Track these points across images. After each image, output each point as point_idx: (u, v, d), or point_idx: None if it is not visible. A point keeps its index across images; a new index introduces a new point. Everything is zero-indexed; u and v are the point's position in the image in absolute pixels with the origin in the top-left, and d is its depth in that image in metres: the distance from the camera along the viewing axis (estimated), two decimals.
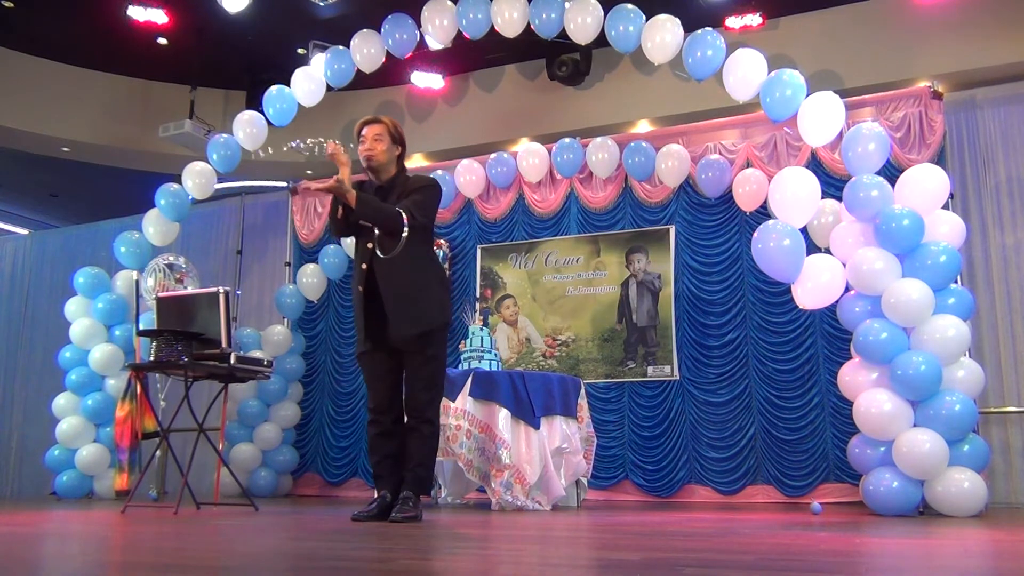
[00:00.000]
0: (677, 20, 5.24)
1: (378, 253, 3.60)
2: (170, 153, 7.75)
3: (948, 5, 6.16)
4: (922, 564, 2.18)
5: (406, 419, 3.72)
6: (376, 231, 3.65)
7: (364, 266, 3.67)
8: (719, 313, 6.32)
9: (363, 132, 3.77)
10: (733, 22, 6.32)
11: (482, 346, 5.14)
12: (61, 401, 6.40)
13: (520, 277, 7.07)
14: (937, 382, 4.32)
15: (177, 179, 6.60)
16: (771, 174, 5.41)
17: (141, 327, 5.44)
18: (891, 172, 5.20)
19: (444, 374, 3.85)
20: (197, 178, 6.49)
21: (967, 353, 4.66)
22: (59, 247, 9.09)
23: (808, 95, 4.83)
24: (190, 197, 6.55)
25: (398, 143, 3.80)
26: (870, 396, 4.46)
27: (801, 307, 4.92)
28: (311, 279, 7.30)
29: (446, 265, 7.15)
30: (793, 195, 4.73)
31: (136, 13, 6.42)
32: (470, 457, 4.66)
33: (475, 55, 7.14)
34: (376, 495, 3.76)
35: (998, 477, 5.49)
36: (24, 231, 9.94)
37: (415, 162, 7.81)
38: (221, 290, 4.39)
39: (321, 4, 6.34)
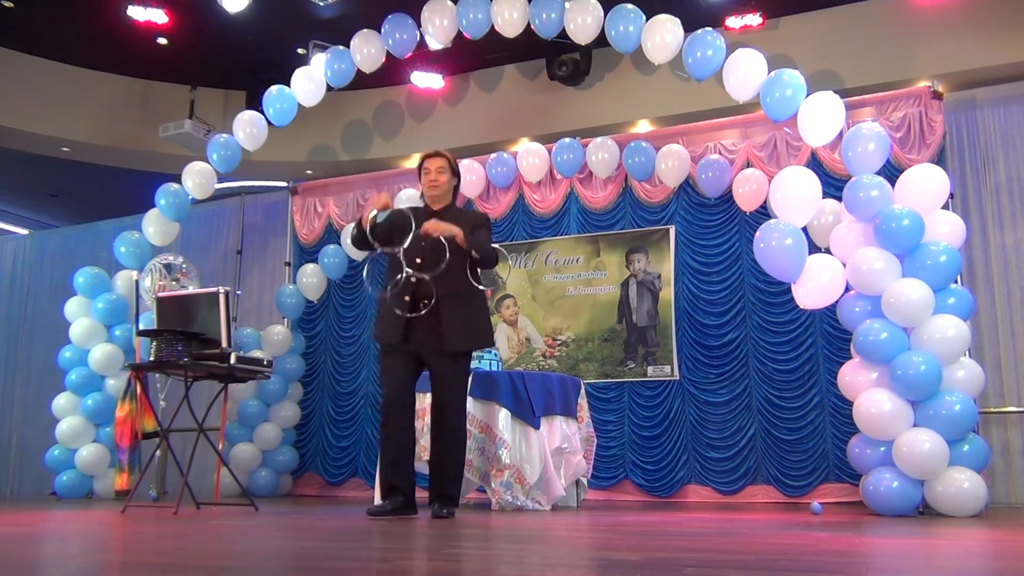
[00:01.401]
0: (677, 20, 5.23)
1: (475, 284, 4.05)
2: (170, 153, 7.75)
3: (948, 5, 6.16)
4: (922, 564, 2.18)
5: (437, 427, 4.02)
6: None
7: (419, 260, 3.94)
8: (719, 313, 6.32)
9: (426, 164, 4.18)
10: (733, 22, 6.32)
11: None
12: (61, 401, 6.40)
13: (520, 277, 7.07)
14: (937, 382, 4.32)
15: (177, 179, 6.59)
16: (771, 174, 5.42)
17: (141, 327, 5.44)
18: (891, 172, 5.20)
19: (467, 382, 4.21)
20: (197, 178, 6.49)
21: (967, 353, 4.65)
22: (59, 247, 9.08)
23: (808, 95, 4.83)
24: (190, 197, 6.55)
25: (456, 175, 4.24)
26: (870, 396, 4.46)
27: (801, 307, 4.92)
28: (311, 279, 7.30)
29: None
30: (794, 195, 4.74)
31: (136, 13, 6.42)
32: (470, 457, 4.65)
33: (475, 55, 7.14)
34: (380, 496, 3.95)
35: (998, 477, 5.49)
36: (24, 231, 9.94)
37: (414, 162, 7.80)
38: (221, 290, 4.40)
39: (321, 4, 6.33)
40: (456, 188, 4.27)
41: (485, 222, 4.21)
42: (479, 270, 4.11)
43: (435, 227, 3.89)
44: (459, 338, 3.98)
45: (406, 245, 3.88)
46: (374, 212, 3.95)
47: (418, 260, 3.93)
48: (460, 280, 3.97)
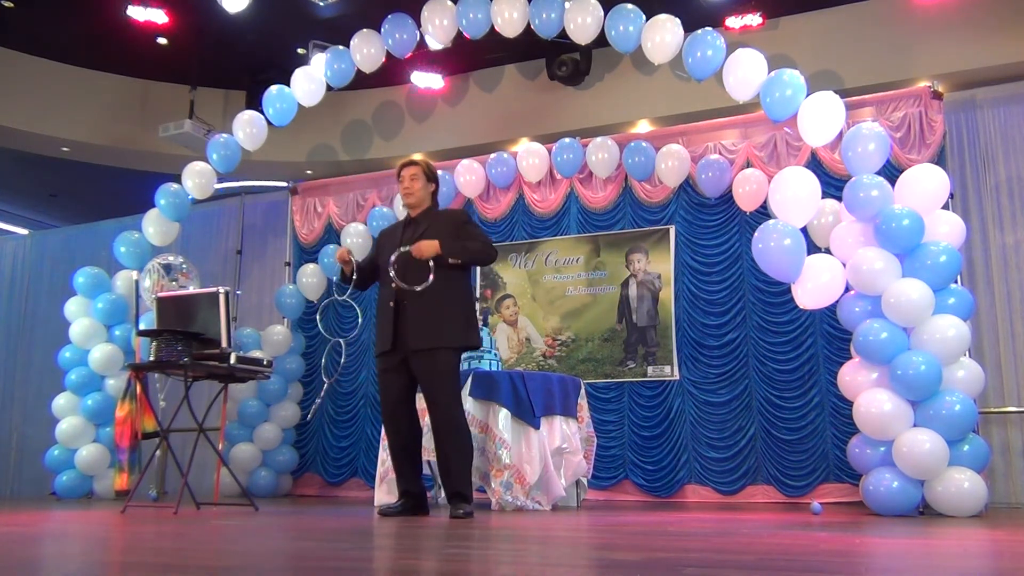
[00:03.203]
0: (677, 20, 5.23)
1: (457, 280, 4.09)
2: (170, 153, 7.75)
3: (948, 5, 6.16)
4: (922, 564, 2.18)
5: (434, 427, 4.08)
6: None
7: (394, 284, 4.03)
8: (719, 313, 6.32)
9: (402, 173, 4.25)
10: (733, 22, 6.32)
11: (482, 346, 5.14)
12: (61, 401, 6.40)
13: (520, 277, 7.07)
14: (937, 382, 4.32)
15: (177, 179, 6.59)
16: (771, 174, 5.41)
17: (142, 327, 5.44)
18: (891, 172, 5.20)
19: (458, 379, 4.19)
20: (197, 178, 6.49)
21: (967, 353, 4.65)
22: (59, 247, 9.08)
23: (808, 95, 4.83)
24: (190, 197, 6.55)
25: (432, 180, 4.28)
26: (870, 396, 4.46)
27: (801, 307, 4.92)
28: (311, 279, 7.29)
29: None
30: (794, 195, 4.73)
31: (136, 13, 6.42)
32: None
33: (475, 55, 7.14)
34: (387, 494, 4.10)
35: (998, 477, 5.49)
36: (24, 231, 9.94)
37: None
38: (221, 290, 4.39)
39: (321, 4, 6.33)
40: (434, 193, 4.30)
41: (466, 219, 4.29)
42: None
43: (418, 251, 3.98)
44: (424, 336, 4.00)
45: (392, 272, 4.01)
46: (349, 264, 4.17)
47: (404, 284, 4.03)
48: (440, 281, 4.02)
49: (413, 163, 4.27)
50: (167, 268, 6.30)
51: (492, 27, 5.66)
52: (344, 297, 4.37)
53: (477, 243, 4.12)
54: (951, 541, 2.89)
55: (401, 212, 6.99)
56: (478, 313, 4.75)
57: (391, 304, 4.06)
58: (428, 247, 3.97)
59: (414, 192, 4.19)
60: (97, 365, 6.36)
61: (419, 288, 3.95)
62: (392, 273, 4.00)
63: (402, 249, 4.02)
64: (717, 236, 6.42)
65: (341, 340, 6.42)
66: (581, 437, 5.15)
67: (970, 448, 4.41)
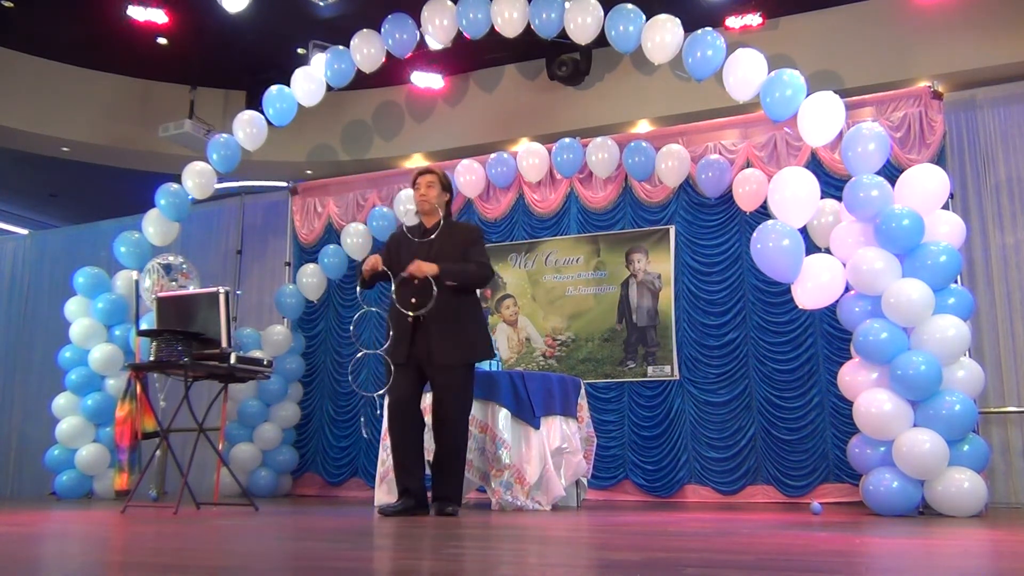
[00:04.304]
0: (677, 20, 5.23)
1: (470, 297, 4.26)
2: (170, 153, 7.75)
3: (948, 5, 6.16)
4: (922, 564, 2.18)
5: (437, 431, 4.17)
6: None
7: (414, 300, 4.10)
8: (719, 313, 6.32)
9: (418, 180, 4.34)
10: (733, 22, 6.32)
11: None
12: (61, 401, 6.40)
13: (520, 277, 7.07)
14: (937, 382, 4.32)
15: (177, 179, 6.59)
16: (771, 174, 5.41)
17: (142, 327, 5.44)
18: (891, 172, 5.20)
19: (472, 394, 4.29)
20: (197, 178, 6.49)
21: (967, 353, 4.65)
22: (59, 247, 9.08)
23: (808, 95, 4.83)
24: (190, 197, 6.54)
25: (447, 190, 4.38)
26: (870, 396, 4.46)
27: (801, 307, 4.92)
28: (311, 279, 7.29)
29: None
30: (793, 195, 4.74)
31: (136, 13, 6.42)
32: (470, 457, 4.65)
33: (475, 55, 7.14)
34: (387, 494, 4.10)
35: (998, 477, 5.49)
36: (24, 231, 9.93)
37: (414, 162, 7.81)
38: (221, 290, 4.39)
39: (321, 4, 6.33)
40: (448, 203, 4.40)
41: (477, 238, 4.37)
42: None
43: (417, 270, 4.08)
44: (449, 353, 4.11)
45: (396, 296, 4.13)
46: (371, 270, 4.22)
47: (412, 300, 4.11)
48: (454, 295, 4.13)
49: (430, 171, 4.39)
50: (167, 268, 6.30)
51: (492, 27, 5.66)
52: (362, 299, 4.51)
53: (473, 265, 4.20)
54: (951, 541, 2.89)
55: (400, 213, 7.02)
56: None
57: (408, 320, 4.11)
58: (427, 268, 4.07)
59: (429, 199, 4.27)
60: (97, 365, 6.36)
61: (423, 312, 4.03)
62: (399, 303, 4.12)
63: (403, 274, 4.13)
64: (717, 236, 6.42)
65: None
66: (581, 437, 5.15)
67: (970, 448, 4.41)
